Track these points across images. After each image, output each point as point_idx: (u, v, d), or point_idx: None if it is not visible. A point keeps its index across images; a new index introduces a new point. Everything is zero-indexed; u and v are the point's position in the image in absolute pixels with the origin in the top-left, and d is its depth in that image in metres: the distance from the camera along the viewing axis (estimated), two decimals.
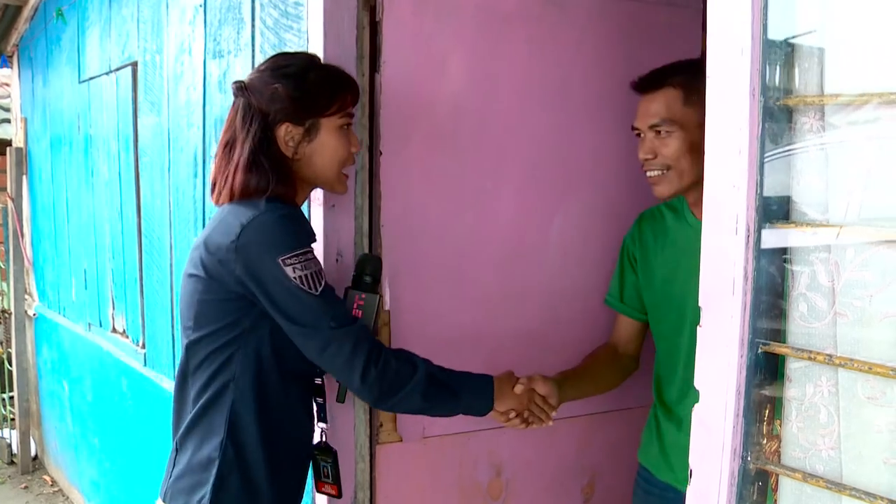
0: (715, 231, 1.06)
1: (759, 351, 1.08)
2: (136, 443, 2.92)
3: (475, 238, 1.93)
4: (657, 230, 1.80)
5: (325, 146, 1.49)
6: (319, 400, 1.64)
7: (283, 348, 1.46)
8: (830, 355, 1.03)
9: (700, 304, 1.09)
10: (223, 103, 2.14)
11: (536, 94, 1.95)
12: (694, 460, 1.12)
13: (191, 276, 1.46)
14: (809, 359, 1.05)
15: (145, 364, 2.76)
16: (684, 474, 1.68)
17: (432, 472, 1.95)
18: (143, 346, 2.79)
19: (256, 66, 1.54)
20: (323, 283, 1.41)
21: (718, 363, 1.07)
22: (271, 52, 1.94)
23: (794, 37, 1.05)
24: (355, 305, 1.59)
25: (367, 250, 1.84)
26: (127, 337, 3.00)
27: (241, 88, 1.47)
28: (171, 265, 2.49)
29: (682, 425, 1.71)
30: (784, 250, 1.09)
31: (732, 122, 1.02)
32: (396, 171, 1.82)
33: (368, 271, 1.62)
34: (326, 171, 1.51)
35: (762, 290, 1.07)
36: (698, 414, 1.11)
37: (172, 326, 2.51)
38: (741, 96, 1.01)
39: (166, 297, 2.54)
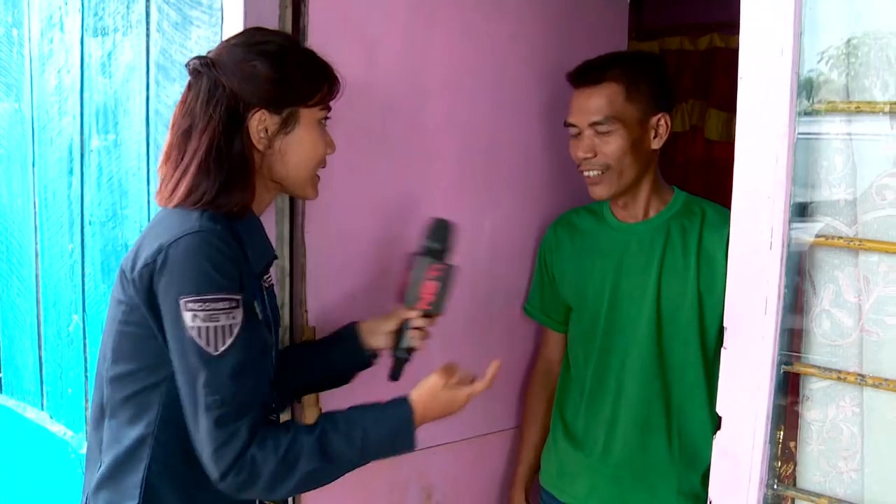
0: (747, 246, 0.98)
1: (781, 371, 1.02)
2: None
3: (404, 244, 1.78)
4: (574, 234, 1.72)
5: (302, 141, 1.26)
6: None
7: None
8: (863, 375, 0.98)
9: (725, 324, 1.01)
10: (107, 89, 1.84)
11: (468, 87, 1.82)
12: (715, 492, 1.03)
13: (113, 296, 1.20)
14: (838, 378, 1.00)
15: (1, 391, 2.37)
16: (583, 492, 1.67)
17: (364, 500, 1.78)
18: None
19: (223, 40, 1.26)
20: (230, 343, 1.12)
21: (746, 388, 1.00)
22: (172, 31, 1.68)
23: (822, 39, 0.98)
24: (430, 275, 1.40)
25: (288, 260, 1.65)
26: None
27: (206, 65, 1.19)
28: (37, 275, 2.14)
29: (581, 443, 1.67)
30: (804, 263, 1.03)
31: (770, 128, 0.94)
32: (322, 171, 1.64)
33: (439, 237, 1.41)
34: (301, 170, 1.28)
35: (786, 307, 1.01)
36: (721, 443, 1.02)
37: (40, 346, 2.16)
38: (780, 100, 0.93)
39: (31, 311, 2.17)
